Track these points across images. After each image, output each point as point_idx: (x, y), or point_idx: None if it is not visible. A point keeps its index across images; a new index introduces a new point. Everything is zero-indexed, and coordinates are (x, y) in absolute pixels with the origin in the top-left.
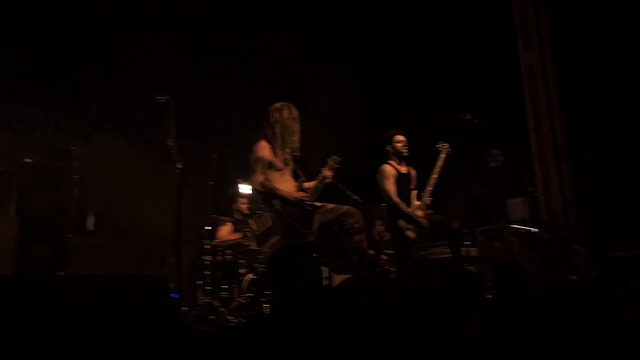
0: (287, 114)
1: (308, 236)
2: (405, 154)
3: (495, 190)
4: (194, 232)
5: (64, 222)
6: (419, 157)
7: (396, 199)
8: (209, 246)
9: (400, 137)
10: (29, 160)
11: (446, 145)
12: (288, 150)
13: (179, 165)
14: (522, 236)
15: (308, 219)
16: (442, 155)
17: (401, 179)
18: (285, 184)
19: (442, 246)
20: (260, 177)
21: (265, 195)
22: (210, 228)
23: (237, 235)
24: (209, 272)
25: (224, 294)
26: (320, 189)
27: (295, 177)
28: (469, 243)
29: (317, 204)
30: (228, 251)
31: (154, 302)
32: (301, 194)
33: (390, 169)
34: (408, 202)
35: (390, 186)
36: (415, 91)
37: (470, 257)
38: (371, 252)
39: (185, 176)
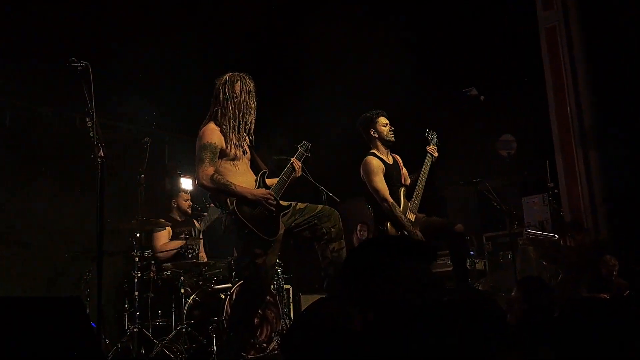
0: (240, 88)
1: (272, 245)
2: (392, 140)
3: (507, 185)
4: (121, 240)
5: None
6: (407, 146)
7: (390, 199)
8: (139, 258)
9: (385, 120)
10: None
11: (435, 134)
12: (244, 134)
13: (101, 153)
14: (540, 243)
15: (272, 222)
16: (426, 167)
17: (390, 172)
18: (242, 178)
19: (440, 257)
20: (209, 170)
21: (215, 192)
22: (139, 235)
23: (178, 243)
24: (137, 293)
25: (159, 321)
26: (286, 183)
27: (254, 169)
28: (473, 253)
29: (284, 203)
30: (165, 265)
31: (66, 330)
32: (263, 190)
33: (377, 162)
34: (397, 202)
35: (381, 183)
36: (402, 59)
37: (475, 271)
38: None
39: (109, 167)
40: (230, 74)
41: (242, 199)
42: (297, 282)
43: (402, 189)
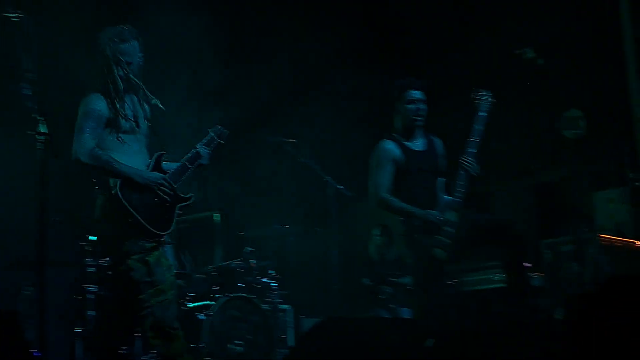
0: (123, 43)
1: (160, 239)
2: (419, 122)
3: (574, 176)
4: (70, 244)
5: None
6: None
7: (382, 194)
8: (95, 269)
9: (415, 96)
10: None
11: (487, 95)
12: (138, 102)
13: (43, 129)
14: (617, 252)
15: (164, 213)
16: (482, 114)
17: (413, 162)
18: (132, 158)
19: (486, 269)
20: (88, 142)
21: (94, 171)
22: (97, 239)
23: None
24: (95, 313)
25: (122, 350)
26: (187, 170)
27: (152, 149)
28: (529, 265)
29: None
30: None
31: None
32: (156, 174)
33: (389, 150)
34: (430, 202)
35: (382, 178)
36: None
37: (530, 288)
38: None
39: (55, 148)
40: (110, 27)
41: (128, 181)
42: (298, 301)
43: (440, 180)
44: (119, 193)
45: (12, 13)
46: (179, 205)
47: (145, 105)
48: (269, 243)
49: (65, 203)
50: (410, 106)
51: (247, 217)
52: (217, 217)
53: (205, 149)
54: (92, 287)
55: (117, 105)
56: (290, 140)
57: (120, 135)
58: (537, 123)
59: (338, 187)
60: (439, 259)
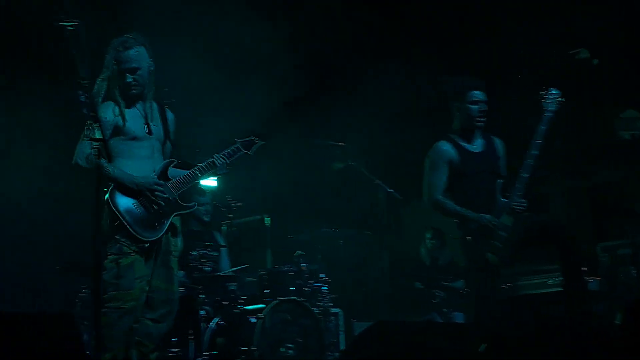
0: (128, 52)
1: (146, 244)
2: (480, 124)
3: (630, 177)
4: None
5: None
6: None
7: (436, 197)
8: None
9: (479, 96)
10: None
11: (556, 94)
12: (166, 110)
13: (98, 135)
14: None
15: (155, 220)
16: (548, 114)
17: (468, 163)
18: (139, 163)
19: (542, 273)
20: (87, 147)
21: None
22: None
23: None
24: None
25: (173, 352)
26: (196, 179)
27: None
28: (585, 268)
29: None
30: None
31: (54, 354)
32: (149, 179)
33: (445, 151)
34: (487, 204)
35: (437, 179)
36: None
37: (587, 293)
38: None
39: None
40: (117, 37)
41: (120, 185)
42: (349, 304)
43: (498, 182)
44: (108, 196)
45: (67, 22)
46: (177, 212)
47: (168, 111)
48: (318, 246)
49: None
50: (473, 106)
51: (296, 220)
52: (268, 220)
53: (222, 159)
54: None
55: (117, 112)
56: (340, 143)
57: (127, 141)
58: (593, 122)
59: (389, 190)
60: (491, 263)
